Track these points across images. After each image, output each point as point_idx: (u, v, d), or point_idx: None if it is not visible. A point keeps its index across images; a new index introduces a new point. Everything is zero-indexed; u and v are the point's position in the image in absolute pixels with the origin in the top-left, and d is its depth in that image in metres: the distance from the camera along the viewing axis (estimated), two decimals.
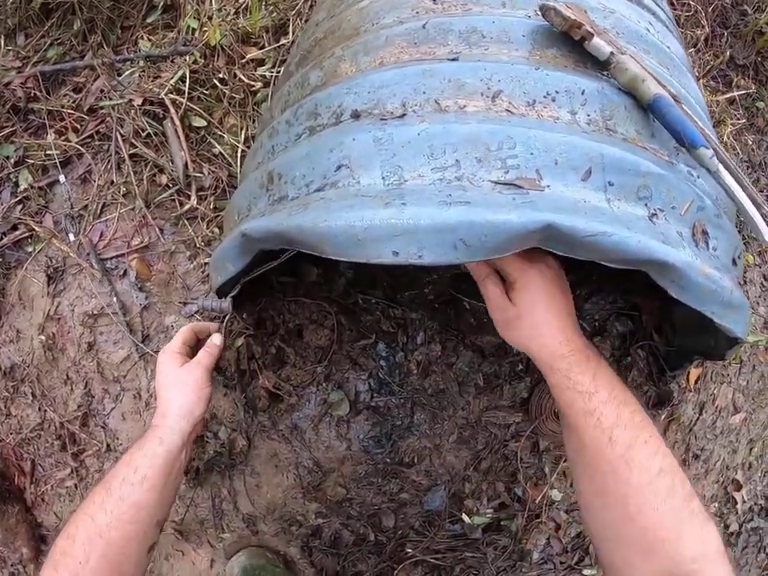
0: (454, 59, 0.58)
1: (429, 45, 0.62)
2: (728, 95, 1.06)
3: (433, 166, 0.51)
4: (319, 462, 0.90)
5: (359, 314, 0.91)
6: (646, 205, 0.55)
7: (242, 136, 0.97)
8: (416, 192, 0.49)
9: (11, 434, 1.00)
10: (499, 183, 0.50)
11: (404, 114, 0.56)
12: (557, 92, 0.57)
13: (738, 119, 1.07)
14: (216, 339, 0.75)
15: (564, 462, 0.96)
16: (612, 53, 0.59)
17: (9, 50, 1.02)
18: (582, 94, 0.57)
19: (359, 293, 0.92)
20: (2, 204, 0.97)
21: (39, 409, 0.98)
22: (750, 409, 1.13)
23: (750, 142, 1.07)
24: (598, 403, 0.53)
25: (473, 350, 0.89)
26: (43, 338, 0.95)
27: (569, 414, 0.55)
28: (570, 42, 0.61)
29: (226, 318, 0.73)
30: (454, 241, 0.46)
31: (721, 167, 0.59)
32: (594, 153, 0.53)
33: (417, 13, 0.66)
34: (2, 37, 1.03)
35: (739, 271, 0.69)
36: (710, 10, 1.13)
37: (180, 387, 0.70)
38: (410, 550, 0.94)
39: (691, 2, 1.13)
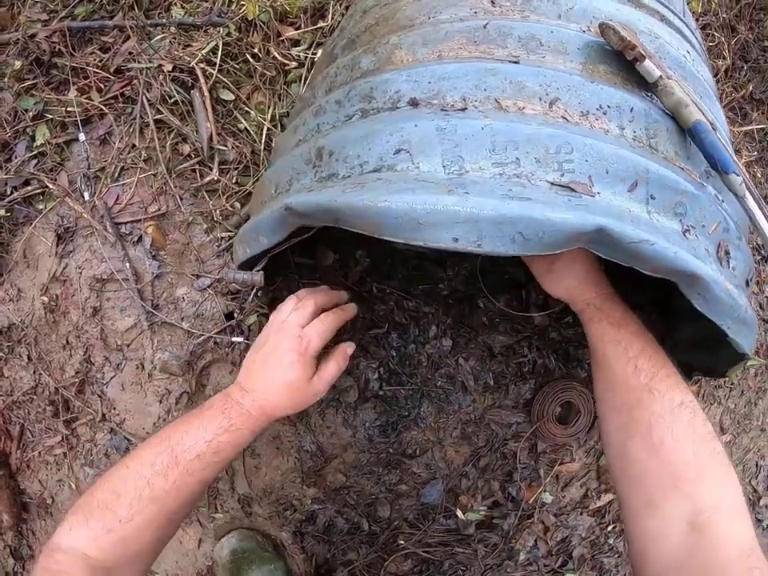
0: (514, 62, 0.63)
1: (488, 45, 0.66)
2: (745, 128, 1.14)
3: (494, 161, 0.55)
4: (322, 447, 0.93)
5: (373, 303, 0.95)
6: (680, 221, 0.60)
7: (269, 114, 1.00)
8: (478, 183, 0.53)
9: (1, 396, 1.00)
10: (555, 184, 0.55)
11: (465, 108, 0.60)
12: (608, 106, 0.62)
13: (751, 152, 1.15)
14: (350, 349, 0.73)
15: (559, 465, 1.01)
16: (660, 76, 0.64)
17: (36, 2, 1.02)
18: (631, 111, 0.62)
19: (374, 282, 0.96)
20: (15, 157, 0.97)
21: (34, 372, 0.98)
22: (735, 432, 1.21)
23: (759, 175, 1.15)
24: (627, 333, 0.61)
25: (483, 348, 0.94)
26: (45, 299, 0.95)
27: (599, 346, 0.62)
28: (620, 61, 0.66)
29: (253, 292, 0.76)
30: (514, 234, 0.51)
31: (747, 194, 0.66)
32: (641, 167, 0.58)
33: (475, 12, 0.70)
34: None
35: (749, 292, 0.76)
36: (732, 42, 1.21)
37: (301, 399, 0.65)
38: (402, 542, 0.98)
39: (716, 34, 1.21)
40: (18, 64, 0.99)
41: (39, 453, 1.00)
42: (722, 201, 0.68)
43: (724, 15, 1.29)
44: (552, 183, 0.55)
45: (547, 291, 0.71)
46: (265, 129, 0.99)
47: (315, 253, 0.97)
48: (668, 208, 0.59)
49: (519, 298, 0.95)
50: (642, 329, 0.63)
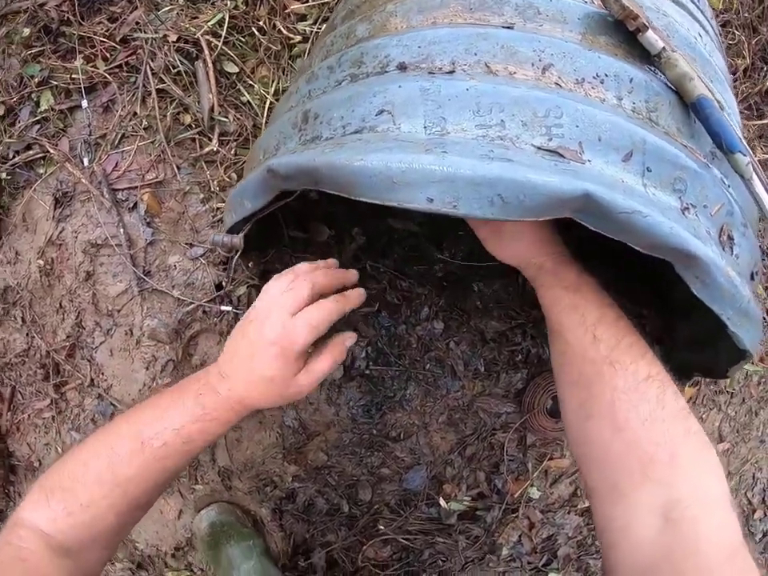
0: (508, 27, 0.59)
1: (484, 12, 0.62)
2: (760, 122, 1.08)
3: (477, 123, 0.51)
4: (305, 423, 0.90)
5: (366, 281, 0.91)
6: (680, 198, 0.55)
7: (273, 88, 0.97)
8: (458, 144, 0.49)
9: None
10: (542, 149, 0.50)
11: (453, 71, 0.56)
12: (606, 75, 0.57)
13: (764, 151, 1.09)
14: (349, 341, 0.60)
15: (548, 460, 0.96)
16: (664, 48, 0.60)
17: None
18: (630, 81, 0.58)
19: (368, 260, 0.92)
20: (19, 122, 0.96)
21: (27, 334, 0.97)
22: (734, 441, 1.14)
23: None
24: (582, 299, 0.53)
25: (475, 333, 0.89)
26: (41, 262, 0.94)
27: (553, 313, 0.55)
28: (622, 33, 0.62)
29: (236, 257, 0.72)
30: (492, 196, 0.47)
31: (754, 176, 0.60)
32: (637, 137, 0.53)
33: None
34: None
35: (755, 287, 0.70)
36: (753, 42, 1.15)
37: (281, 396, 0.55)
38: (381, 527, 0.94)
39: (736, 32, 1.15)
40: (26, 31, 0.97)
41: (29, 415, 0.99)
42: (728, 186, 0.63)
43: (746, 14, 1.23)
44: (538, 147, 0.50)
45: (495, 256, 0.63)
46: (268, 102, 0.97)
47: (310, 228, 0.93)
48: (666, 183, 0.55)
49: (515, 283, 0.91)
50: (601, 293, 0.55)
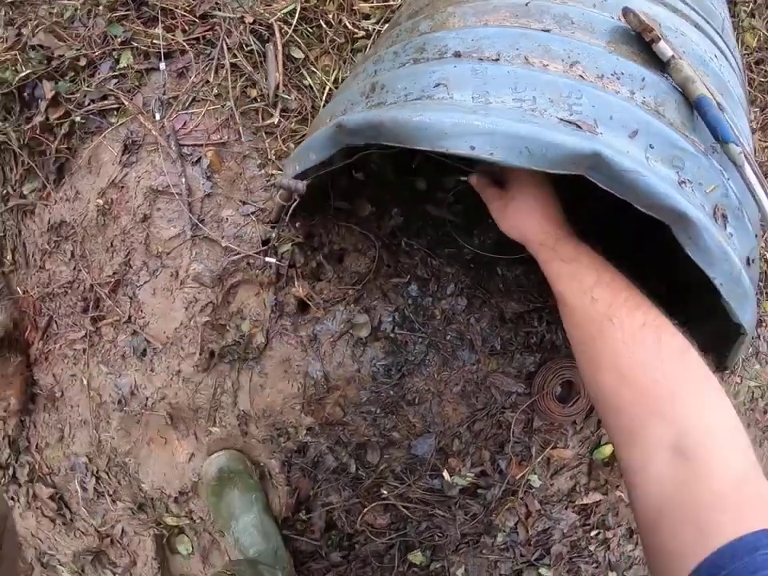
0: (546, 31, 0.84)
1: (527, 19, 0.88)
2: None
3: (514, 97, 0.75)
4: (328, 375, 1.11)
5: (400, 255, 1.14)
6: (677, 172, 0.77)
7: (333, 77, 1.24)
8: (498, 110, 0.73)
9: (38, 286, 1.22)
10: (563, 120, 0.74)
11: (498, 60, 0.81)
12: (622, 73, 0.82)
13: None
14: None
15: (551, 448, 1.16)
16: (673, 56, 0.85)
17: None
18: (643, 80, 0.82)
19: (404, 237, 1.16)
20: (98, 74, 1.23)
21: (74, 268, 1.20)
22: None
23: None
24: (579, 266, 0.68)
25: (495, 312, 1.11)
26: (101, 201, 1.18)
27: (556, 285, 0.69)
28: (641, 44, 0.87)
29: (293, 206, 0.96)
30: (522, 148, 0.70)
31: (746, 164, 0.83)
32: (643, 120, 0.77)
33: None
34: None
35: (753, 273, 0.90)
36: None
37: None
38: (384, 492, 1.13)
39: None
40: None
41: (60, 346, 1.20)
42: (728, 179, 0.85)
43: None
44: (561, 119, 0.74)
45: (504, 232, 0.79)
46: (327, 88, 1.23)
47: (354, 204, 1.18)
48: (666, 159, 0.77)
49: (536, 271, 1.13)
50: (597, 258, 0.69)
